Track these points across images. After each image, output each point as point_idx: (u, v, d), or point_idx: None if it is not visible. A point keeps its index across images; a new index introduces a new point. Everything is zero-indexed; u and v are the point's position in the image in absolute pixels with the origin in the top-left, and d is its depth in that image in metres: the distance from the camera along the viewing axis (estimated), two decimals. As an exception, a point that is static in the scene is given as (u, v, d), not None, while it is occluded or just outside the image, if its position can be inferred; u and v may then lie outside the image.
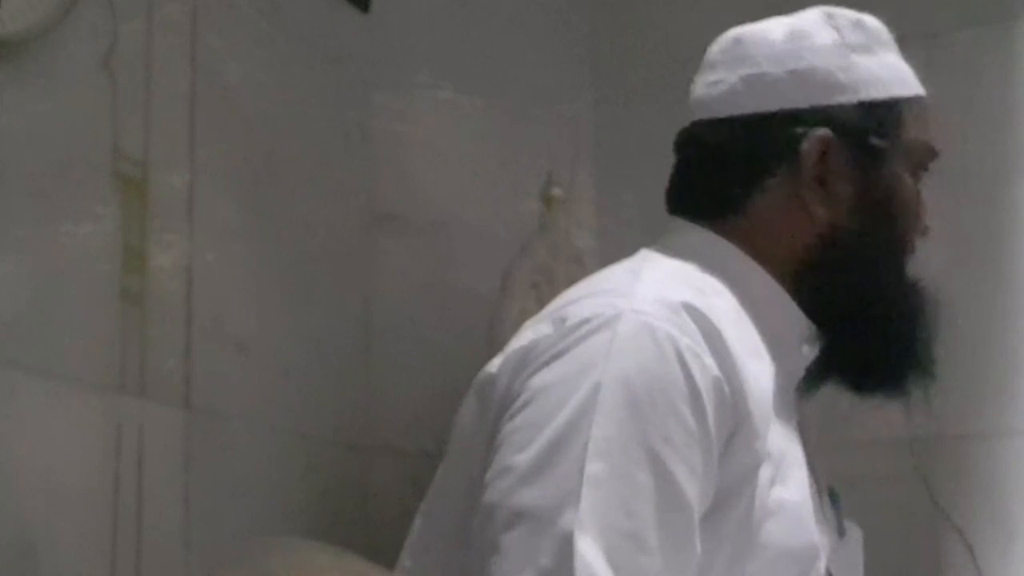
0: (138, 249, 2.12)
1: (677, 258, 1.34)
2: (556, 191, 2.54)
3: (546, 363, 1.21)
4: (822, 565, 1.27)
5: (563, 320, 1.24)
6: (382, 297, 2.60)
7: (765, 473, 1.23)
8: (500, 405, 1.23)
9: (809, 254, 1.34)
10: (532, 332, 1.26)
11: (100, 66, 2.10)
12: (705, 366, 1.20)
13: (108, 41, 2.11)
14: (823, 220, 1.34)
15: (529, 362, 1.23)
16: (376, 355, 2.58)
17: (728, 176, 1.36)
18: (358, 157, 2.63)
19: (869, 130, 1.35)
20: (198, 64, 2.26)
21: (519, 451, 1.17)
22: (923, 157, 1.39)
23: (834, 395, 2.54)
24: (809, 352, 1.36)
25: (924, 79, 2.70)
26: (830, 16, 1.40)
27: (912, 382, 1.40)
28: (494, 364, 1.28)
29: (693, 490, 1.17)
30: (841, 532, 1.38)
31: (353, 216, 2.61)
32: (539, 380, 1.21)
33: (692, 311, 1.23)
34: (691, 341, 1.21)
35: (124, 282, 2.09)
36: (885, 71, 1.38)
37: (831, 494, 1.39)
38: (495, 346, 1.38)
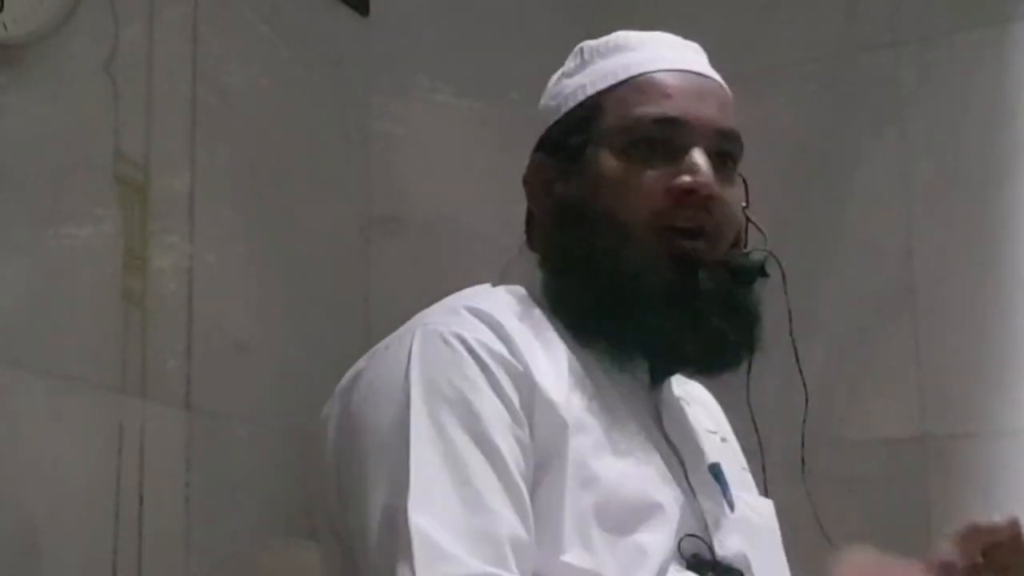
0: (139, 251, 2.13)
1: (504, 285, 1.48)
2: (554, 193, 2.55)
3: (361, 392, 1.37)
4: (668, 523, 1.34)
5: (373, 353, 1.40)
6: (381, 298, 2.61)
7: (584, 441, 1.33)
8: (334, 439, 1.38)
9: (551, 259, 1.45)
10: (352, 370, 1.42)
11: (101, 70, 2.11)
12: (492, 349, 1.33)
13: (109, 45, 2.12)
14: (543, 224, 1.47)
15: (347, 395, 1.39)
16: (375, 356, 2.59)
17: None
18: (357, 159, 2.64)
19: (566, 134, 1.46)
20: (198, 67, 2.27)
21: (359, 469, 1.32)
22: (635, 131, 1.43)
23: (831, 396, 2.55)
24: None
25: (920, 82, 2.71)
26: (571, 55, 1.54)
27: (699, 356, 1.43)
28: (325, 408, 1.43)
29: (507, 444, 1.30)
30: (731, 506, 1.44)
31: (352, 218, 2.62)
32: (356, 407, 1.36)
33: (472, 310, 1.37)
34: (476, 332, 1.34)
35: (125, 283, 2.10)
36: (588, 78, 1.49)
37: (713, 471, 1.46)
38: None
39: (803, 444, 1.50)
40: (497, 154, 2.76)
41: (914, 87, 2.70)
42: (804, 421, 1.52)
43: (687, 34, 1.59)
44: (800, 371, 1.53)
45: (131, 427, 2.08)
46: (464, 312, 1.37)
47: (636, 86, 1.44)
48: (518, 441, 1.30)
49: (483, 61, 2.81)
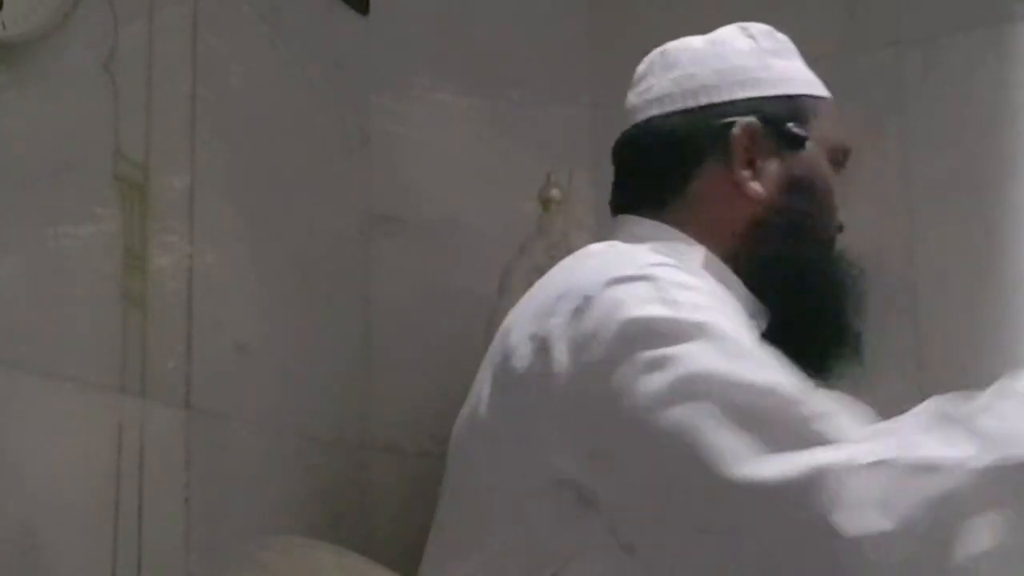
0: (139, 251, 2.13)
1: (635, 244, 1.42)
2: (554, 193, 2.55)
3: (603, 344, 1.25)
4: None
5: (574, 313, 1.29)
6: (381, 298, 2.62)
7: None
8: (591, 393, 1.26)
9: (747, 230, 1.46)
10: (536, 342, 1.31)
11: (101, 69, 2.11)
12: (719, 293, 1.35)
13: (109, 44, 2.12)
14: (759, 196, 1.46)
15: (579, 351, 1.26)
16: (376, 355, 2.59)
17: (665, 167, 1.48)
18: (357, 159, 2.64)
19: (789, 119, 1.49)
20: (198, 66, 2.27)
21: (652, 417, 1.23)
22: (836, 151, 1.53)
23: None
24: (759, 327, 1.42)
25: (920, 81, 2.71)
26: (744, 28, 1.55)
27: (841, 356, 1.48)
28: (523, 363, 1.32)
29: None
30: None
31: (352, 218, 2.62)
32: (609, 357, 1.24)
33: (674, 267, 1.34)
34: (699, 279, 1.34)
35: (125, 283, 2.10)
36: (797, 73, 1.54)
37: None
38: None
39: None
40: (497, 154, 2.76)
41: (915, 87, 2.70)
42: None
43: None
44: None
45: (131, 427, 2.07)
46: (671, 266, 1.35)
47: (833, 110, 1.55)
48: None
49: (483, 60, 2.81)
